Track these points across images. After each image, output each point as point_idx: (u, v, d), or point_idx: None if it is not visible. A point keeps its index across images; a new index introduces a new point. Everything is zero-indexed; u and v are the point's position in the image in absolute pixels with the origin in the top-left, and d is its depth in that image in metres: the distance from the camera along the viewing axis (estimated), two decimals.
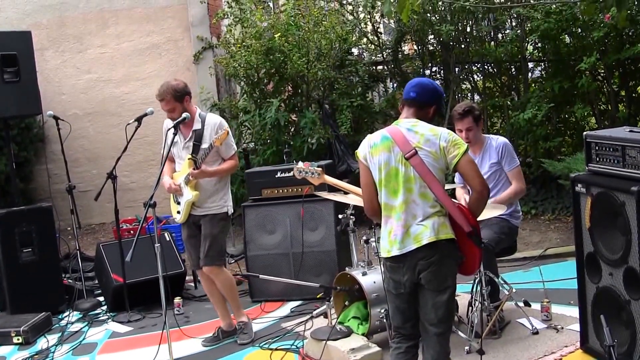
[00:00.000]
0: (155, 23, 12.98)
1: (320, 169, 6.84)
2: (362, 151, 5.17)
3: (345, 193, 6.98)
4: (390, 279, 5.14)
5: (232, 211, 7.55)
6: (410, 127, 5.02)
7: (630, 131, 5.63)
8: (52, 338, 8.21)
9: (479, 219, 5.45)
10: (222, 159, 7.36)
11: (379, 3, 11.83)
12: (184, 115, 7.04)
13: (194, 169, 7.15)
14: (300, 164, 6.91)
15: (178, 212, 7.47)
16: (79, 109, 13.00)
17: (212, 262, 7.35)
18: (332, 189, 7.83)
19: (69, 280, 9.57)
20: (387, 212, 5.04)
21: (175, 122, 6.97)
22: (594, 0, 4.86)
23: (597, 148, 5.69)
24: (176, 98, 7.12)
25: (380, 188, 5.06)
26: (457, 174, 6.55)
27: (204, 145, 7.17)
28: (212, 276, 7.45)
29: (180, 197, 7.41)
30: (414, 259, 4.92)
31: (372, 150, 5.08)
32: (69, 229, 11.54)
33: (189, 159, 7.22)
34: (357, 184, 5.61)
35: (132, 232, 10.66)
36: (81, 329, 8.49)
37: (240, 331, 7.61)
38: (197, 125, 7.27)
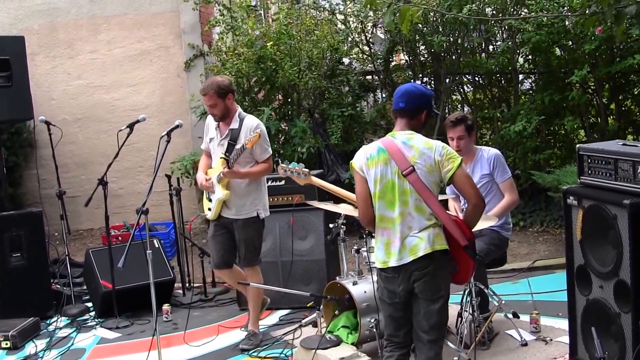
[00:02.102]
0: (147, 30, 12.94)
1: (307, 170, 6.89)
2: (357, 162, 5.21)
3: (334, 197, 7.03)
4: (384, 289, 5.19)
5: (268, 214, 7.65)
6: (405, 140, 5.07)
7: (623, 144, 5.66)
8: (41, 343, 8.16)
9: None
10: (256, 162, 7.42)
11: (371, 13, 11.86)
12: (177, 122, 7.16)
13: (225, 168, 7.20)
14: (285, 164, 7.00)
15: (209, 209, 7.55)
16: (68, 115, 12.94)
17: (249, 263, 7.62)
18: (322, 198, 7.87)
19: (58, 286, 9.54)
20: (384, 224, 5.10)
21: (169, 129, 7.04)
22: (592, 14, 4.89)
23: (589, 161, 5.72)
24: (219, 94, 7.23)
25: (375, 200, 5.11)
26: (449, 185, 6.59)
27: (238, 146, 7.24)
28: (249, 277, 7.65)
29: (212, 195, 7.48)
30: (409, 270, 4.99)
31: (368, 162, 5.13)
32: (57, 234, 11.52)
33: (221, 157, 7.29)
34: None
35: (120, 238, 10.64)
36: (69, 334, 8.46)
37: (247, 337, 7.69)
38: (234, 125, 7.37)
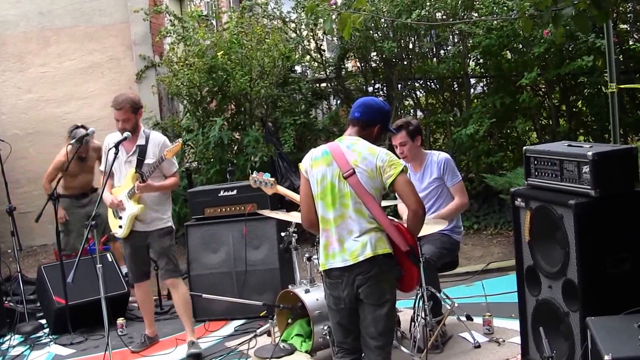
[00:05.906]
0: (97, 41, 12.86)
1: (273, 179, 6.97)
2: (304, 164, 5.29)
3: (286, 206, 7.05)
4: (330, 295, 5.21)
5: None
6: (349, 145, 5.11)
7: (569, 145, 5.71)
8: None
9: (421, 234, 5.52)
10: (164, 176, 7.49)
11: (321, 20, 11.85)
12: (125, 134, 7.20)
13: (140, 182, 7.22)
14: (255, 174, 7.08)
15: (120, 227, 7.54)
16: (19, 129, 12.84)
17: (171, 274, 7.64)
18: (275, 206, 7.88)
19: (10, 304, 9.41)
20: (324, 225, 5.15)
21: (117, 140, 7.08)
22: (530, 17, 4.94)
23: (535, 162, 5.76)
24: (133, 109, 7.34)
25: (317, 201, 5.15)
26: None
27: (149, 161, 7.34)
28: (173, 288, 7.73)
29: (122, 212, 7.48)
30: (352, 275, 4.99)
31: (312, 163, 5.19)
32: (10, 251, 11.39)
33: (135, 173, 7.32)
34: None
35: (73, 253, 10.53)
36: (23, 352, 8.34)
37: (190, 344, 7.61)
38: (141, 141, 7.42)
